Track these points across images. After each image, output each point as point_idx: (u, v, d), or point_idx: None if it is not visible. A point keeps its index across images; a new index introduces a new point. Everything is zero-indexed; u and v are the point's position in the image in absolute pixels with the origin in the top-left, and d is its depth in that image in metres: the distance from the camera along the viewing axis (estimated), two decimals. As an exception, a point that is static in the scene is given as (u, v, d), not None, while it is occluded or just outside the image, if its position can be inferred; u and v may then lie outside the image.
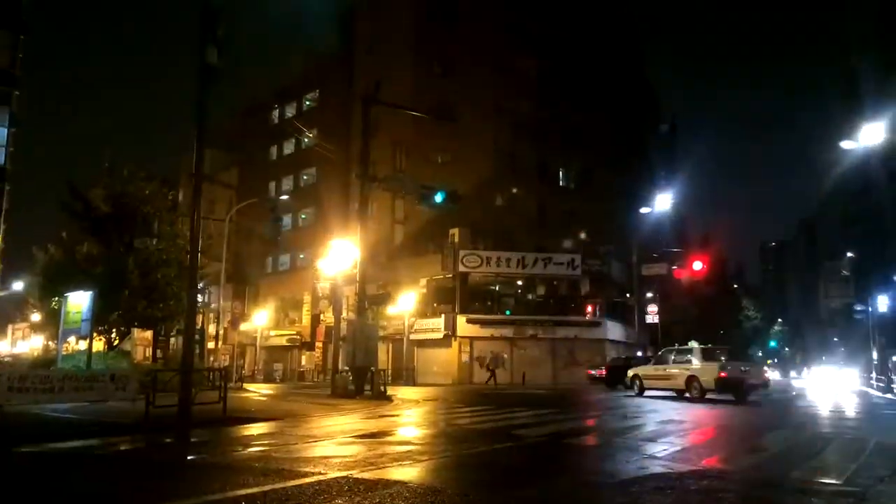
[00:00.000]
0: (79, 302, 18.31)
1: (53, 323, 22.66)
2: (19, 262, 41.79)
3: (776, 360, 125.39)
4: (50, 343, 35.50)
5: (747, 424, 14.39)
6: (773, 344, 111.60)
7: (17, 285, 47.48)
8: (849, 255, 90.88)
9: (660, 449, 9.32)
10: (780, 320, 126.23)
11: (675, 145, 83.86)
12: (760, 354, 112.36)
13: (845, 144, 27.96)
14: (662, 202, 42.26)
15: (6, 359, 34.16)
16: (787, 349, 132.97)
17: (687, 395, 22.08)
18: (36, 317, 33.52)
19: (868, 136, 25.31)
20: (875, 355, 55.08)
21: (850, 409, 20.96)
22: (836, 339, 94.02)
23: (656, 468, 7.61)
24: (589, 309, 41.85)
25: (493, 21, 47.45)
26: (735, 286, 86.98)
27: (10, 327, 65.00)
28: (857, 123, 27.65)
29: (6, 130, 36.08)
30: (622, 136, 52.25)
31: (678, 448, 9.53)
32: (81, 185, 26.65)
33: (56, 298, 22.22)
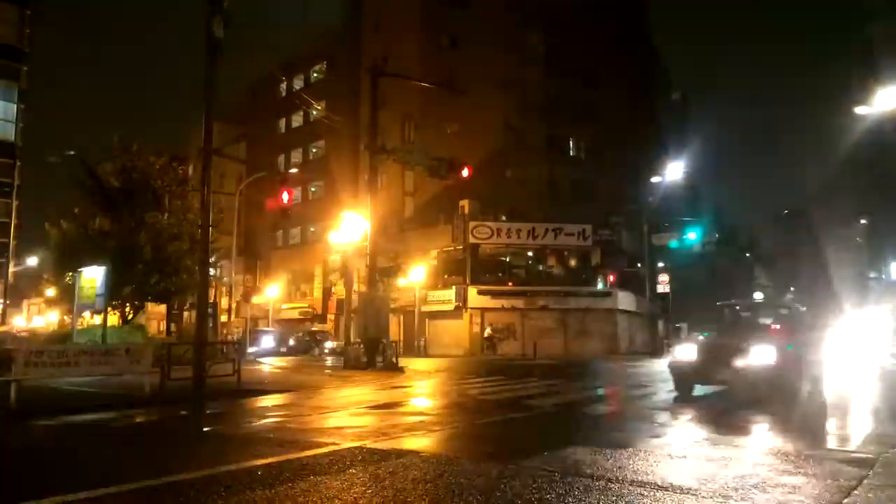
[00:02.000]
0: (93, 277, 18.45)
1: (68, 298, 22.85)
2: (33, 238, 42.10)
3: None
4: (65, 318, 35.94)
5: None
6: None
7: (32, 260, 47.94)
8: (862, 221, 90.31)
9: (671, 417, 9.36)
10: (791, 288, 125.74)
11: (686, 114, 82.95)
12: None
13: (860, 110, 27.60)
14: (674, 171, 41.93)
15: (22, 334, 34.53)
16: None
17: None
18: (51, 292, 33.79)
19: (883, 101, 24.94)
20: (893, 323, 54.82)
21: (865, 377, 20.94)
22: (848, 307, 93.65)
23: (668, 436, 7.65)
24: (600, 279, 41.78)
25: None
26: (747, 255, 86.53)
27: (25, 302, 65.75)
28: (872, 89, 27.24)
29: (15, 106, 36.17)
30: (633, 106, 51.67)
31: (690, 416, 9.56)
32: (92, 160, 26.74)
33: (70, 273, 22.38)
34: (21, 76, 36.16)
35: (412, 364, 24.56)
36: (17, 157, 36.11)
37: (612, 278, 41.84)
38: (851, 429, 8.99)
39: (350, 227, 26.97)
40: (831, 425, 9.18)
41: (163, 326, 32.01)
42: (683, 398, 11.38)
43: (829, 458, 6.47)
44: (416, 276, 39.80)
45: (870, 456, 6.42)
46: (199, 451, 7.34)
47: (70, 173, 25.39)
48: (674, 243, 40.17)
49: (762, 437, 8.02)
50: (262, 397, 12.82)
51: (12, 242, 36.54)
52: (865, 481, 5.33)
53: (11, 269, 37.52)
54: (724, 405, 11.73)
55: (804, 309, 15.18)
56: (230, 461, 6.08)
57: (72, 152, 27.62)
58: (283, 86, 60.32)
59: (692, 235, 37.41)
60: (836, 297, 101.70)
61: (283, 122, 60.33)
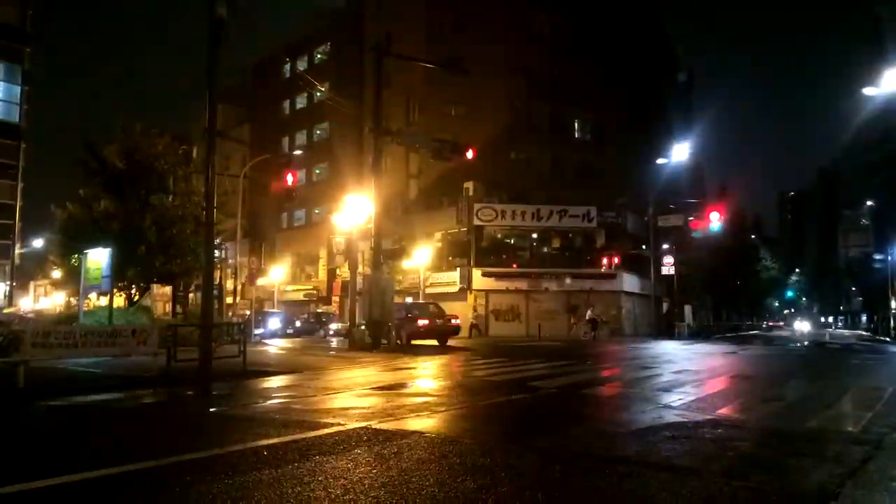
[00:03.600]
0: (98, 258, 18.49)
1: (74, 279, 22.93)
2: (38, 220, 42.22)
3: (793, 310, 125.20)
4: (72, 299, 36.12)
5: (764, 374, 14.43)
6: (790, 294, 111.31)
7: (37, 242, 48.10)
8: (868, 203, 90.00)
9: (675, 398, 9.39)
10: (797, 270, 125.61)
11: (692, 95, 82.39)
12: (777, 304, 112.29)
13: (868, 91, 27.38)
14: (679, 153, 41.69)
15: (29, 315, 34.73)
16: (804, 299, 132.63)
17: None
18: (57, 273, 33.95)
19: (890, 82, 24.71)
20: (894, 305, 54.68)
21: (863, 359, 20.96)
22: (853, 289, 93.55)
23: (671, 417, 7.68)
24: (604, 261, 41.73)
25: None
26: (752, 237, 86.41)
27: (31, 284, 66.00)
28: (879, 70, 26.99)
29: (20, 88, 36.12)
30: (638, 87, 51.28)
31: (693, 397, 9.59)
32: (97, 142, 26.70)
33: (76, 255, 22.43)
34: (24, 58, 36.08)
35: (417, 345, 24.64)
36: (22, 138, 36.12)
37: (616, 260, 41.78)
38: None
39: (354, 210, 26.93)
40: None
41: (169, 307, 32.16)
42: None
43: (833, 439, 6.50)
44: (420, 259, 39.79)
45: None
46: (205, 431, 7.40)
47: (74, 155, 25.37)
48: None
49: (766, 417, 8.02)
50: (268, 378, 12.89)
51: (18, 224, 36.65)
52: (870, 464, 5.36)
53: (17, 250, 37.66)
54: (728, 386, 11.78)
55: None
56: (236, 441, 6.13)
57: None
58: (287, 67, 60.00)
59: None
60: (841, 276, 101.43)
61: (287, 104, 60.08)
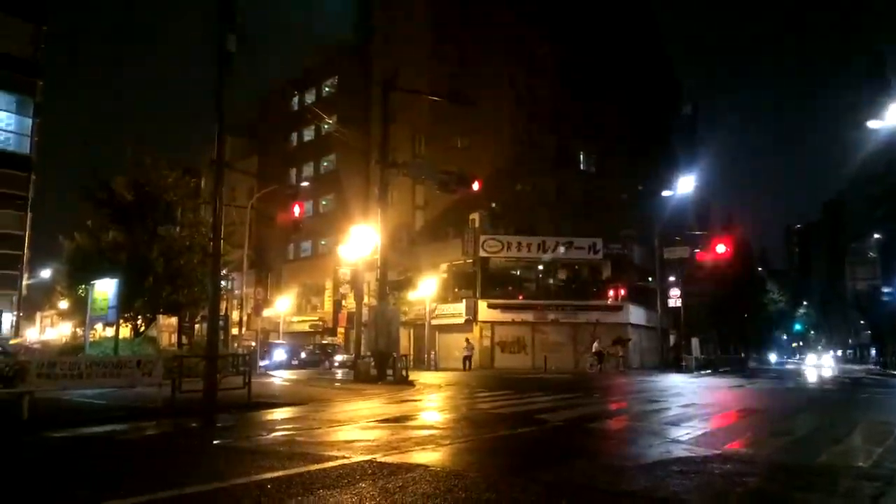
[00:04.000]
0: (105, 289, 18.53)
1: (81, 310, 22.95)
2: (46, 250, 42.37)
3: (801, 343, 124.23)
4: (78, 330, 36.11)
5: (773, 408, 14.29)
6: (798, 327, 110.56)
7: (45, 273, 48.28)
8: (875, 236, 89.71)
9: (683, 433, 9.29)
10: (804, 303, 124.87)
11: (697, 128, 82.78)
12: (785, 338, 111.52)
13: (872, 124, 27.49)
14: (684, 185, 41.82)
15: (35, 346, 34.74)
16: (812, 332, 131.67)
17: None
18: (64, 304, 34.00)
19: (894, 115, 24.82)
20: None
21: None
22: (862, 322, 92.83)
23: (679, 452, 7.60)
24: (611, 293, 41.62)
25: (509, 7, 46.96)
26: (759, 269, 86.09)
27: (38, 315, 66.16)
28: (883, 103, 27.13)
29: (31, 120, 36.57)
30: (643, 119, 51.64)
31: (701, 432, 9.50)
32: (105, 173, 26.92)
33: (83, 286, 22.48)
34: (36, 90, 36.58)
35: (422, 377, 24.52)
36: (32, 169, 36.46)
37: (623, 292, 41.68)
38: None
39: (360, 241, 27.01)
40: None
41: (174, 338, 32.05)
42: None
43: (843, 474, 6.42)
44: (426, 290, 39.77)
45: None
46: (209, 463, 7.34)
47: (83, 184, 25.54)
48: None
49: (776, 452, 7.93)
50: (273, 410, 12.82)
51: (26, 254, 36.81)
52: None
53: (25, 281, 37.78)
54: (736, 420, 11.67)
55: None
56: (240, 474, 6.08)
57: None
58: (295, 100, 60.69)
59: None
60: (849, 310, 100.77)
61: (294, 136, 60.68)
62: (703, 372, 37.49)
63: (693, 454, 7.45)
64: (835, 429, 10.24)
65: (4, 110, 36.07)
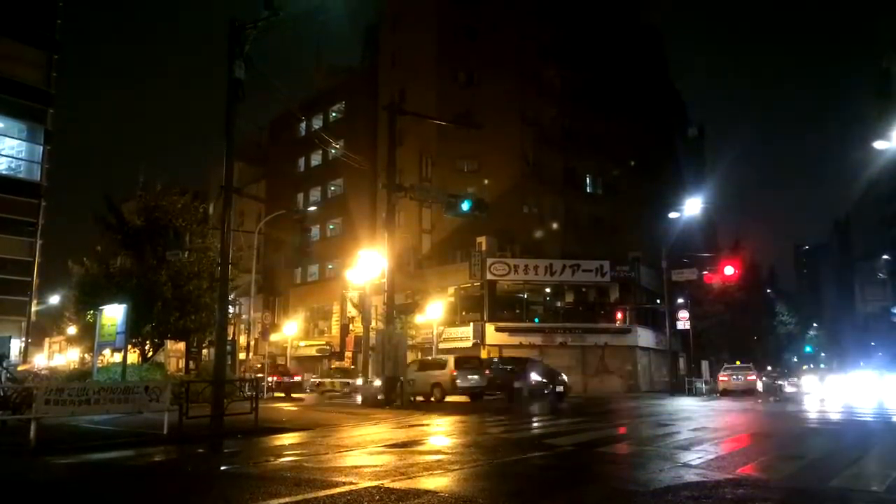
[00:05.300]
0: (113, 315, 18.56)
1: (89, 336, 22.98)
2: (55, 276, 42.58)
3: (811, 366, 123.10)
4: (86, 356, 36.08)
5: (784, 431, 14.14)
6: (808, 349, 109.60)
7: (54, 299, 48.45)
8: (885, 257, 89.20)
9: (694, 457, 9.19)
10: (815, 325, 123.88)
11: (704, 149, 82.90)
12: (796, 360, 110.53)
13: (879, 144, 27.49)
14: (692, 207, 41.78)
15: (43, 372, 34.72)
16: (823, 354, 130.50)
17: None
18: (72, 330, 34.10)
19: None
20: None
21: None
22: (873, 344, 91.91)
23: (691, 477, 7.51)
24: (619, 316, 41.44)
25: (516, 30, 47.38)
26: (768, 291, 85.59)
27: (46, 340, 66.20)
28: (890, 123, 27.15)
29: (42, 148, 36.90)
30: (649, 141, 51.81)
31: (713, 456, 9.39)
32: (115, 197, 27.11)
33: (91, 311, 22.53)
34: (47, 118, 36.95)
35: (429, 402, 24.37)
36: (42, 196, 36.71)
37: (631, 315, 41.49)
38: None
39: (368, 265, 27.08)
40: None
41: (182, 364, 32.06)
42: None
43: (857, 498, 6.32)
44: (433, 313, 39.66)
45: None
46: (216, 490, 7.30)
47: (93, 212, 25.71)
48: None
49: (789, 476, 7.83)
50: (280, 435, 12.76)
51: (35, 280, 36.93)
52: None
53: (34, 307, 37.86)
54: (748, 444, 11.54)
55: None
56: (246, 501, 6.05)
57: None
58: (303, 125, 61.13)
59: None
60: (860, 331, 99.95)
61: (301, 161, 61.00)
62: (713, 395, 37.17)
63: (705, 478, 7.36)
64: (847, 452, 10.12)
65: (16, 137, 36.42)
